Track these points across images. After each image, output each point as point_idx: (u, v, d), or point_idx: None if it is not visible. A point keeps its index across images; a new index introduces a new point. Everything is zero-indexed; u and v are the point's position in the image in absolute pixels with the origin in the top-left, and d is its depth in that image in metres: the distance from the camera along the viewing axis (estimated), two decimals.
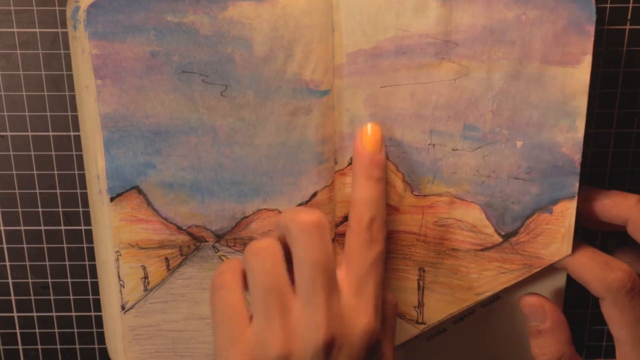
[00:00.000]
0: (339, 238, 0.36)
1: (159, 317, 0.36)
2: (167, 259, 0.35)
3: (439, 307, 0.36)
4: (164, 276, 0.35)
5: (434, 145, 0.34)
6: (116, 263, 0.35)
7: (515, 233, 0.35)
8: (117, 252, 0.34)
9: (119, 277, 0.35)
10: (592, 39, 0.32)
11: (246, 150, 0.34)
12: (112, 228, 0.34)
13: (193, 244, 0.35)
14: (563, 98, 0.33)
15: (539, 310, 0.34)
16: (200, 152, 0.34)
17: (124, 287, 0.35)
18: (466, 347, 0.37)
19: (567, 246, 0.34)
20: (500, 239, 0.35)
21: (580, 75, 0.32)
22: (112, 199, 0.34)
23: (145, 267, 0.35)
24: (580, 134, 0.33)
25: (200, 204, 0.34)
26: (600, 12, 0.36)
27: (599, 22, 0.36)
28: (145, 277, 0.35)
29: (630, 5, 0.36)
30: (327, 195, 0.35)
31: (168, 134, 0.33)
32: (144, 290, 0.35)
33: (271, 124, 0.33)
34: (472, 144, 0.34)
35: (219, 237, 0.35)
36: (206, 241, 0.35)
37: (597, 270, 0.31)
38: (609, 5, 0.36)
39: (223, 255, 0.35)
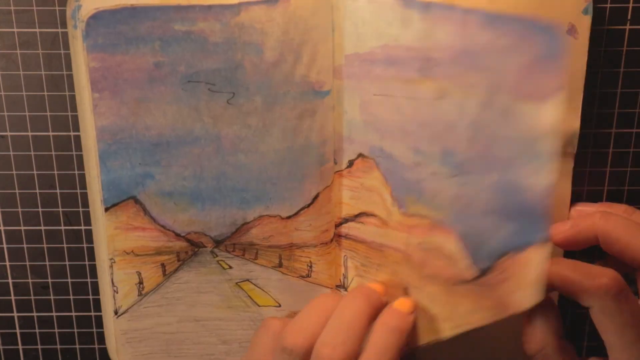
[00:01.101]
0: (338, 239, 0.36)
1: (153, 320, 0.35)
2: (163, 265, 0.35)
3: (417, 333, 0.34)
4: (159, 281, 0.35)
5: (418, 164, 0.32)
6: (110, 270, 0.34)
7: (487, 270, 0.32)
8: (111, 259, 0.34)
9: (112, 283, 0.34)
10: (564, 74, 0.29)
11: (251, 158, 0.33)
12: (107, 236, 0.34)
13: (191, 250, 0.35)
14: (532, 137, 0.30)
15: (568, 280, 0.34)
16: (203, 162, 0.33)
17: (117, 293, 0.35)
18: (464, 346, 0.37)
19: (536, 293, 0.31)
20: (475, 274, 0.32)
21: (550, 113, 0.29)
22: (106, 209, 0.33)
23: (140, 273, 0.35)
24: (548, 179, 0.30)
25: (200, 212, 0.34)
26: (600, 12, 0.36)
27: (599, 22, 0.36)
28: (140, 283, 0.35)
29: (630, 5, 0.36)
30: (327, 195, 0.34)
31: (169, 145, 0.33)
32: (138, 295, 0.35)
33: (278, 129, 0.33)
34: (450, 170, 0.32)
35: (218, 242, 0.35)
36: (205, 246, 0.35)
37: (581, 281, 0.31)
38: (609, 5, 0.36)
39: (221, 261, 0.35)
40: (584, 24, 0.33)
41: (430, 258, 0.33)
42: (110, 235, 0.34)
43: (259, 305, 0.36)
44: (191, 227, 0.34)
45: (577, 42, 0.33)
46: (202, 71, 0.32)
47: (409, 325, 0.33)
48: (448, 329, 0.33)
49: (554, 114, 0.29)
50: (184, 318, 0.36)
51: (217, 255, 0.35)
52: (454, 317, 0.33)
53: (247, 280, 0.36)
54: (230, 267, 0.35)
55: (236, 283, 0.35)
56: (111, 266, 0.34)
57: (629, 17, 0.37)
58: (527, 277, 0.31)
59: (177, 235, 0.34)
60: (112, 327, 0.36)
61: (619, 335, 0.31)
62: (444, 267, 0.33)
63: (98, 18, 0.30)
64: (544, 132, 0.30)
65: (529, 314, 0.34)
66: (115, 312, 0.35)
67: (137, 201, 0.33)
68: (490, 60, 0.30)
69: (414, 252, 0.33)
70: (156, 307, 0.35)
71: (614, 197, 0.39)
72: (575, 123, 0.34)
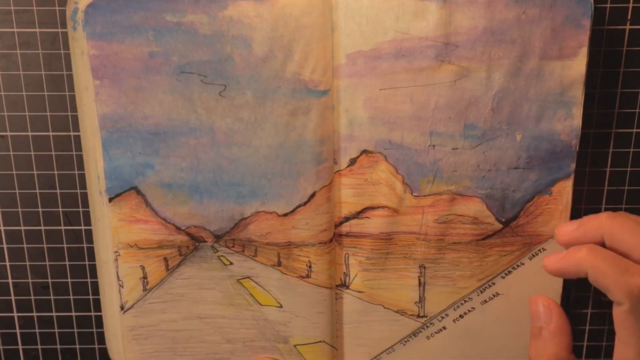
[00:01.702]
0: (338, 238, 0.36)
1: (158, 316, 0.36)
2: (166, 259, 0.35)
3: (440, 299, 0.37)
4: (163, 276, 0.35)
5: (434, 146, 0.34)
6: (115, 263, 0.35)
7: (515, 218, 0.36)
8: (115, 252, 0.34)
9: (118, 277, 0.35)
10: (588, 32, 0.33)
11: (245, 152, 0.34)
12: (111, 228, 0.34)
13: (192, 244, 0.35)
14: (561, 90, 0.34)
15: (546, 312, 0.34)
16: (199, 153, 0.34)
17: (123, 287, 0.35)
18: (466, 344, 0.37)
19: (565, 221, 0.35)
20: (500, 226, 0.36)
21: (577, 66, 0.33)
22: (110, 199, 0.34)
23: (144, 267, 0.35)
24: (577, 120, 0.34)
25: (199, 204, 0.34)
26: (600, 12, 0.36)
27: (599, 22, 0.36)
28: (144, 277, 0.35)
29: (630, 5, 0.36)
30: (325, 195, 0.35)
31: (167, 135, 0.33)
32: (143, 290, 0.35)
33: (270, 124, 0.33)
34: (472, 142, 0.34)
35: (217, 237, 0.35)
36: (205, 241, 0.35)
37: (618, 277, 0.30)
38: (609, 5, 0.36)
39: (222, 256, 0.35)
40: (585, 25, 0.33)
41: (450, 228, 0.36)
42: (114, 227, 0.34)
43: (260, 304, 0.36)
44: (191, 221, 0.35)
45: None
46: (194, 62, 0.32)
47: None
48: (475, 283, 0.36)
49: (580, 65, 0.33)
50: (188, 315, 0.36)
51: (217, 251, 0.35)
52: (482, 270, 0.36)
53: (248, 277, 0.36)
54: (231, 263, 0.35)
55: (237, 280, 0.36)
56: (116, 259, 0.34)
57: (629, 17, 0.37)
58: (557, 209, 0.35)
59: (178, 228, 0.35)
60: (116, 325, 0.36)
61: None
62: (468, 231, 0.36)
63: (96, 6, 0.31)
64: (570, 84, 0.34)
65: (544, 328, 0.34)
66: (122, 308, 0.35)
67: (138, 192, 0.34)
68: (517, 32, 0.33)
69: (430, 229, 0.36)
70: (161, 303, 0.35)
71: (614, 197, 0.39)
72: (576, 122, 0.34)
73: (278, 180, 0.34)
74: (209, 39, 0.32)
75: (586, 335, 0.42)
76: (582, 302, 0.41)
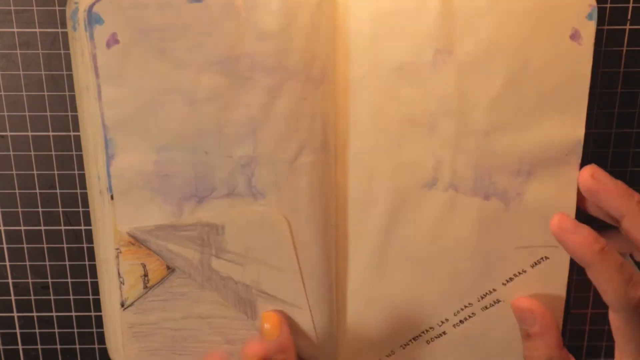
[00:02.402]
0: None
1: (158, 315, 0.36)
2: None
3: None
4: (164, 274, 0.35)
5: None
6: (116, 260, 0.34)
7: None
8: (117, 249, 0.34)
9: (119, 274, 0.35)
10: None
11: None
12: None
13: None
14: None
15: (528, 315, 0.34)
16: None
17: (123, 284, 0.35)
18: (466, 350, 0.37)
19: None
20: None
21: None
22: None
23: (145, 265, 0.35)
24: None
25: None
26: (600, 12, 0.36)
27: (599, 22, 0.36)
28: (145, 275, 0.35)
29: (630, 5, 0.36)
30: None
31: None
32: (144, 288, 0.35)
33: None
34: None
35: None
36: None
37: (620, 285, 0.30)
38: (609, 5, 0.36)
39: None
40: (589, 30, 0.32)
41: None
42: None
43: None
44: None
45: (580, 48, 0.32)
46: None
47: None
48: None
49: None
50: (188, 315, 0.36)
51: None
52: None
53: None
54: None
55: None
56: (117, 256, 0.34)
57: (629, 17, 0.37)
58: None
59: None
60: (117, 322, 0.36)
61: (637, 345, 0.31)
62: None
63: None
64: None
65: (529, 330, 0.34)
66: (122, 305, 0.35)
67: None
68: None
69: None
70: (161, 302, 0.35)
71: None
72: (580, 130, 0.34)
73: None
74: None
75: (586, 335, 0.42)
76: (582, 302, 0.41)
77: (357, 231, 0.35)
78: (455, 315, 0.36)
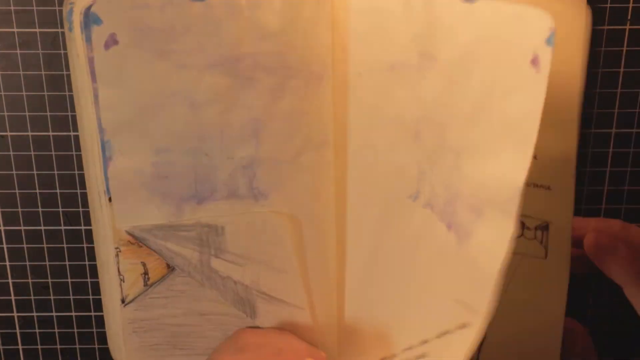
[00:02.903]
0: None
1: (158, 311, 0.36)
2: None
3: None
4: (164, 273, 0.35)
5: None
6: (116, 259, 0.34)
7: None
8: (116, 248, 0.34)
9: (119, 272, 0.35)
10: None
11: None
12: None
13: None
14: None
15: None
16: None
17: (124, 282, 0.35)
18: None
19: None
20: None
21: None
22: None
23: (145, 264, 0.35)
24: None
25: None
26: (600, 12, 0.36)
27: (599, 22, 0.36)
28: (146, 273, 0.35)
29: (630, 5, 0.36)
30: None
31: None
32: (144, 286, 0.35)
33: None
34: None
35: None
36: None
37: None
38: (609, 5, 0.36)
39: None
40: (546, 56, 0.25)
41: None
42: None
43: None
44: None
45: (538, 76, 0.25)
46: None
47: None
48: None
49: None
50: (189, 311, 0.36)
51: None
52: None
53: None
54: None
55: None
56: (117, 255, 0.34)
57: (629, 17, 0.37)
58: None
59: None
60: (117, 320, 0.36)
61: None
62: None
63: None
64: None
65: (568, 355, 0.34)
66: (123, 301, 0.35)
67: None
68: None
69: None
70: (162, 299, 0.35)
71: (614, 197, 0.39)
72: (521, 175, 0.26)
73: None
74: None
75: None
76: (582, 302, 0.41)
77: (355, 231, 0.35)
78: (403, 351, 0.34)
